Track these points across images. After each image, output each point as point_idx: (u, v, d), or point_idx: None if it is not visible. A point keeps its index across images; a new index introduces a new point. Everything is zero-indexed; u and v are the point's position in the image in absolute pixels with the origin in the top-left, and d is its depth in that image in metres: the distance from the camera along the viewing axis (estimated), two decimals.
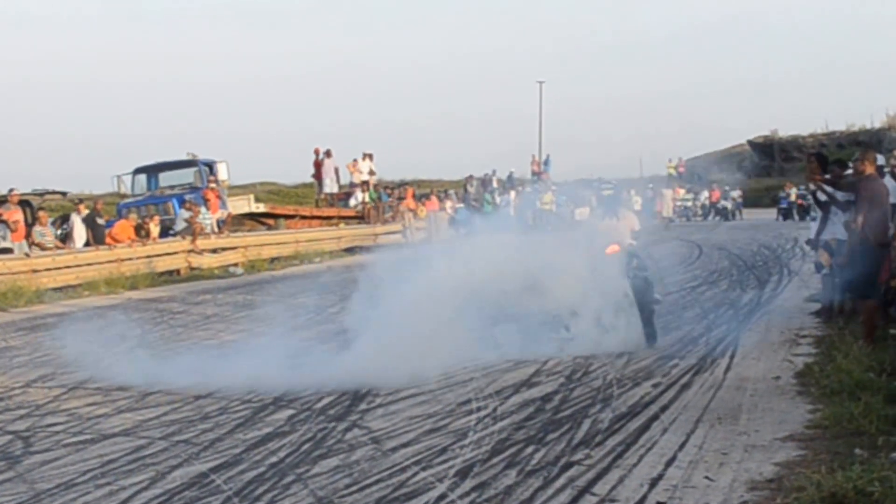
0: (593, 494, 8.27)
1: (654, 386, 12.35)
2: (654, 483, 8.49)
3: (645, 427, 10.36)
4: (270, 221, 42.43)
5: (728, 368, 13.33)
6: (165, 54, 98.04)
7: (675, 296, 20.75)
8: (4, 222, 27.67)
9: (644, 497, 8.17)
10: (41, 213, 29.51)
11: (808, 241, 18.92)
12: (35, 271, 26.71)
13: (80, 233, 30.71)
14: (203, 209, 34.86)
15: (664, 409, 11.15)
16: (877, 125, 71.94)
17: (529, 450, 9.57)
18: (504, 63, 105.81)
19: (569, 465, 9.01)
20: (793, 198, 55.59)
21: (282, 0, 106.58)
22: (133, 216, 32.84)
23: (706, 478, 8.55)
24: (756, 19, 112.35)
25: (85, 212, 31.36)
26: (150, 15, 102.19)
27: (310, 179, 50.39)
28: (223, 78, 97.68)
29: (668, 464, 9.01)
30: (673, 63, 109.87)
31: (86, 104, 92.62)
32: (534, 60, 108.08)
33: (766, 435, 9.86)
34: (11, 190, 30.22)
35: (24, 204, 29.59)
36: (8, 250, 27.34)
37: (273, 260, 36.20)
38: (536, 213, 52.32)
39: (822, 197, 15.88)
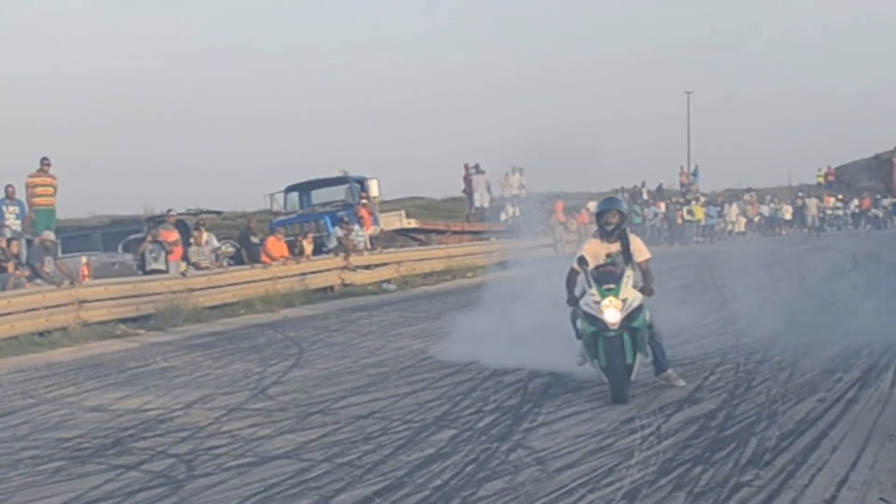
0: None
1: (820, 401, 12.09)
2: None
3: (814, 445, 10.10)
4: (421, 237, 42.49)
5: (894, 383, 13.01)
6: (311, 75, 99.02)
7: (836, 305, 20.32)
8: (160, 242, 28.15)
9: None
10: (196, 233, 29.89)
11: None
12: (192, 290, 27.06)
13: None
14: (356, 226, 35.04)
15: (832, 425, 10.89)
16: None
17: (697, 470, 9.40)
18: (650, 73, 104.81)
19: (738, 487, 8.82)
20: None
21: (426, 25, 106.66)
22: (280, 233, 32.87)
23: (881, 499, 8.32)
24: None
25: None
26: (292, 40, 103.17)
27: (458, 193, 50.44)
28: (373, 96, 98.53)
29: (841, 484, 8.76)
30: (820, 69, 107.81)
31: (238, 125, 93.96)
32: (681, 69, 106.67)
33: None
34: (169, 210, 30.79)
35: (179, 224, 30.04)
36: (162, 270, 27.78)
37: (426, 275, 36.26)
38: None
39: None
